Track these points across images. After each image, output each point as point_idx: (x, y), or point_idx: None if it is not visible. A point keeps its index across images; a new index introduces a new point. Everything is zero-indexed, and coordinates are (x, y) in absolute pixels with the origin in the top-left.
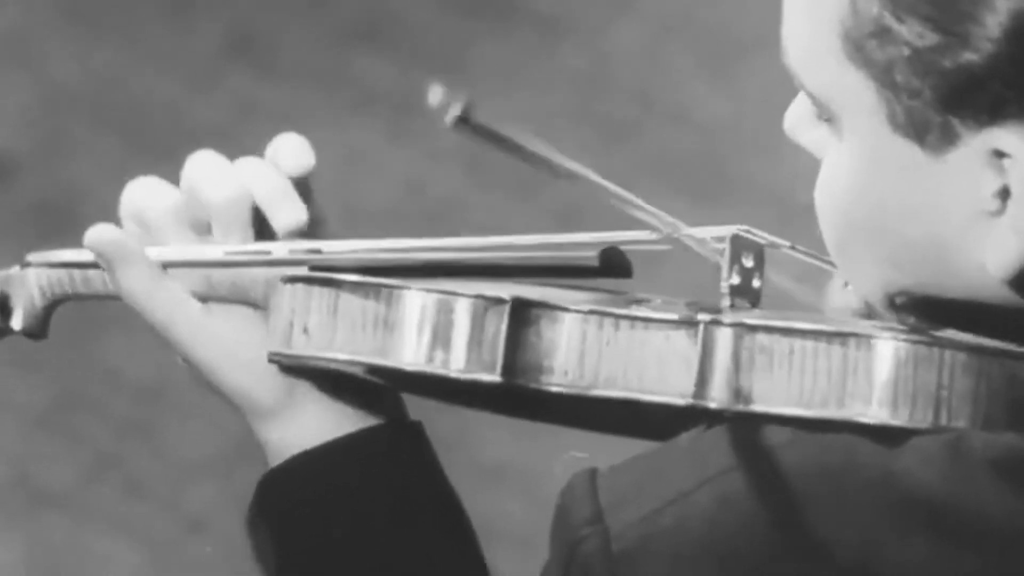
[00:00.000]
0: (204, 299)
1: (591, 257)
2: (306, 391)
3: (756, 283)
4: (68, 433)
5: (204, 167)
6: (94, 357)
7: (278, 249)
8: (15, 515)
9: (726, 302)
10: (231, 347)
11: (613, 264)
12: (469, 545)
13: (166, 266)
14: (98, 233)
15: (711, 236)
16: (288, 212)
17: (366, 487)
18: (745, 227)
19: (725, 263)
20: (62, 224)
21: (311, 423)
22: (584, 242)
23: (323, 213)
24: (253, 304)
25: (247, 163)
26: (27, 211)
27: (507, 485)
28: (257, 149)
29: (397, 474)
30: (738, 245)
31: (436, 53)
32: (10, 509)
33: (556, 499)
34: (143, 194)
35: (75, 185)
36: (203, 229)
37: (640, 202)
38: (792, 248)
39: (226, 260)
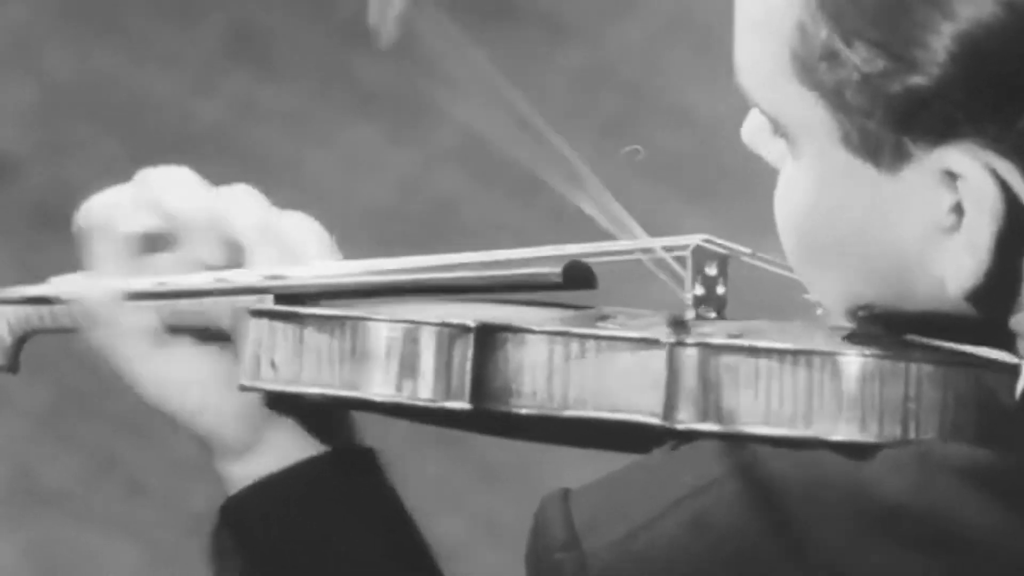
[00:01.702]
0: (170, 331)
1: (554, 272)
2: (271, 433)
3: (720, 290)
4: (68, 433)
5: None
6: (94, 357)
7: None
8: (16, 515)
9: (690, 313)
10: (197, 395)
11: (577, 277)
12: (423, 565)
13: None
14: (87, 291)
15: (673, 247)
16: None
17: (317, 513)
18: (707, 237)
19: (688, 274)
20: (62, 224)
21: (274, 461)
22: (546, 256)
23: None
24: (220, 333)
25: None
26: (27, 211)
27: (506, 484)
28: (257, 149)
29: (347, 499)
30: (700, 256)
31: (436, 53)
32: (11, 509)
33: (531, 520)
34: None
35: (75, 185)
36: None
37: (603, 212)
38: (754, 256)
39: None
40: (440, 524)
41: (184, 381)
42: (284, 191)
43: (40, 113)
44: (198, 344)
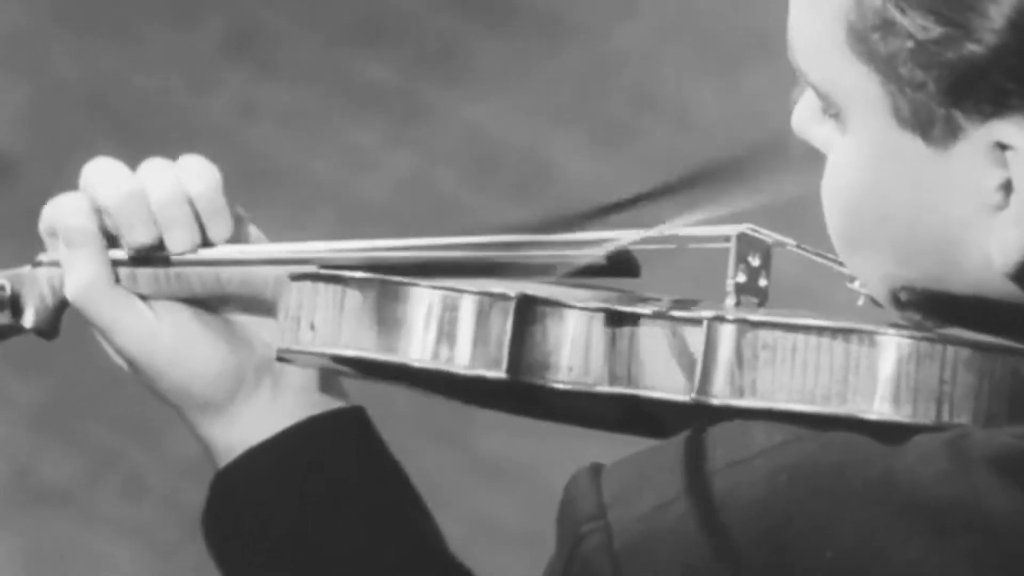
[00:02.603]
0: (214, 301)
1: (599, 256)
2: (250, 390)
3: (763, 282)
4: (68, 433)
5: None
6: (94, 357)
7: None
8: (15, 515)
9: (732, 300)
10: (179, 348)
11: (621, 263)
12: (421, 523)
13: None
14: (71, 213)
15: (717, 235)
16: (221, 225)
17: (311, 476)
18: (751, 225)
19: (731, 261)
20: None
21: (254, 420)
22: (592, 240)
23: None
24: (264, 302)
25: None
26: (27, 211)
27: (506, 482)
28: (257, 149)
29: (341, 459)
30: (744, 244)
31: (436, 53)
32: (10, 509)
33: (562, 492)
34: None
35: (75, 185)
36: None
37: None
38: (798, 246)
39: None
40: (440, 523)
41: (167, 341)
42: (284, 191)
43: (39, 113)
44: (177, 303)
